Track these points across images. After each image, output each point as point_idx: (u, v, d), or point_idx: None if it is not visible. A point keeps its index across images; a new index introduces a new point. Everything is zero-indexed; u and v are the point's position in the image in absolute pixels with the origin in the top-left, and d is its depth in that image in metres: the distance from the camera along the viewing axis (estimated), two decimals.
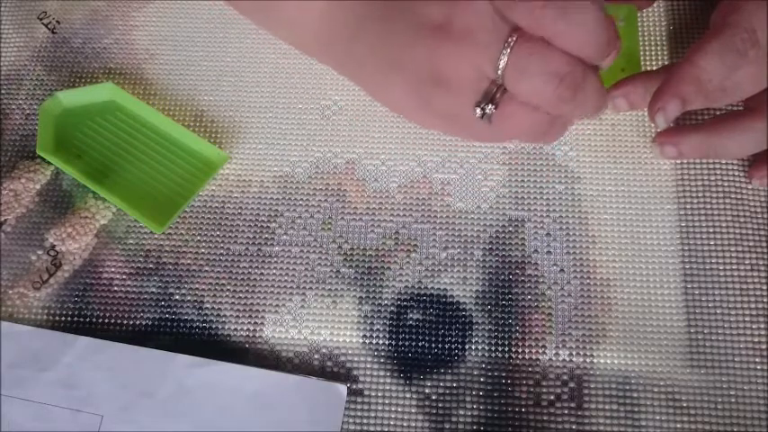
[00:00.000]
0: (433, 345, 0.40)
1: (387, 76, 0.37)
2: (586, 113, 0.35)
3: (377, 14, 0.36)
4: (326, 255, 0.42)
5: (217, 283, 0.42)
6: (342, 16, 0.38)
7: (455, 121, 0.36)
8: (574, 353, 0.40)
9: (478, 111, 0.34)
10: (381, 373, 0.40)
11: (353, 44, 0.38)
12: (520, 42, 0.32)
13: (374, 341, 0.40)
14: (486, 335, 0.40)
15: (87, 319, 0.41)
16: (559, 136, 0.37)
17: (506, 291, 0.41)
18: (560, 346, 0.40)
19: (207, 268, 0.42)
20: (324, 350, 0.40)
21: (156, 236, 0.43)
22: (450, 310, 0.41)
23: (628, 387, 0.39)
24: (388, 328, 0.41)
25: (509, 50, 0.32)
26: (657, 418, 0.38)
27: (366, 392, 0.39)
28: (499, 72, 0.33)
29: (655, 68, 0.46)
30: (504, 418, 0.38)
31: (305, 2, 0.39)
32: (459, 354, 0.40)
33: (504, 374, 0.39)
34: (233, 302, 0.41)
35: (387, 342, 0.40)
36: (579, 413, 0.38)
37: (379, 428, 0.38)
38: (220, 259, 0.42)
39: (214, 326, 0.41)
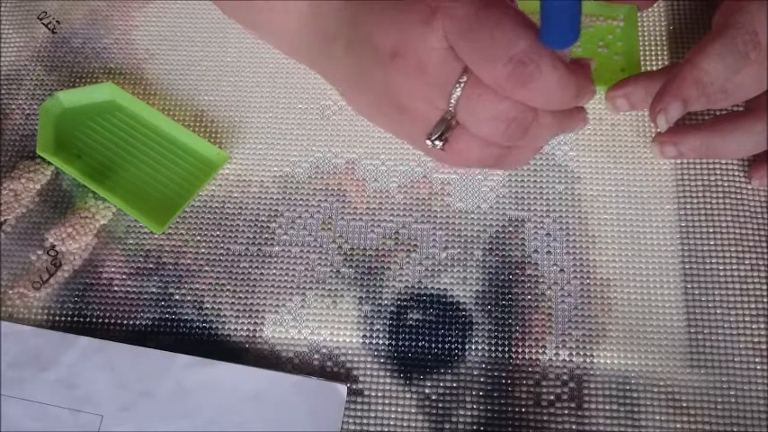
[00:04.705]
0: (433, 345, 0.40)
1: (356, 90, 0.38)
2: (546, 142, 0.35)
3: (344, 36, 0.37)
4: (326, 255, 0.42)
5: (217, 283, 0.42)
6: (315, 34, 0.39)
7: (415, 142, 0.37)
8: (574, 353, 0.40)
9: (429, 143, 0.34)
10: (381, 373, 0.40)
11: (327, 58, 0.39)
12: (470, 83, 0.32)
13: (374, 341, 0.40)
14: (486, 335, 0.40)
15: (87, 319, 0.41)
16: (523, 162, 0.37)
17: (506, 291, 0.41)
18: (560, 346, 0.40)
19: (207, 268, 0.42)
20: (324, 350, 0.40)
21: (156, 236, 0.43)
22: (450, 310, 0.41)
23: (628, 387, 0.39)
24: (388, 328, 0.41)
25: (459, 90, 0.32)
26: (657, 418, 0.38)
27: (366, 392, 0.39)
28: (451, 108, 0.33)
29: (655, 69, 0.46)
30: (504, 418, 0.39)
31: (282, 17, 0.40)
32: (459, 354, 0.40)
33: (504, 374, 0.39)
34: (233, 302, 0.41)
35: (387, 342, 0.40)
36: (579, 413, 0.38)
37: (379, 428, 0.38)
38: (220, 259, 0.42)
39: (214, 326, 0.41)
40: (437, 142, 0.34)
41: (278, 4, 0.39)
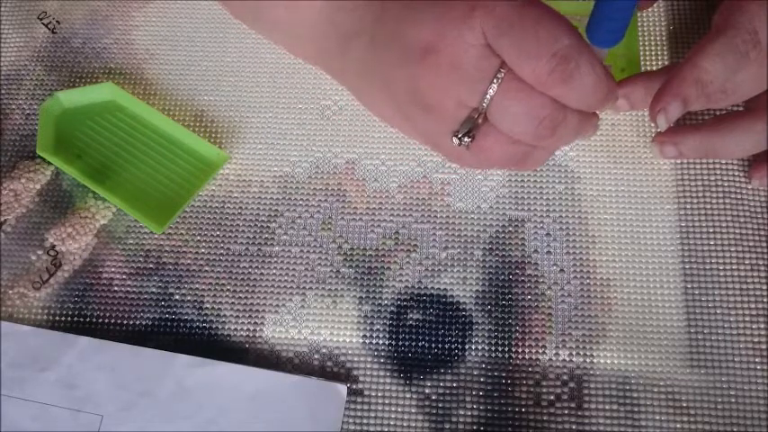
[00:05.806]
0: (433, 345, 0.40)
1: (373, 89, 0.38)
2: (565, 145, 0.36)
3: (368, 33, 0.37)
4: (326, 255, 0.42)
5: (217, 283, 0.42)
6: (333, 31, 0.38)
7: (436, 141, 0.37)
8: (574, 353, 0.40)
9: (455, 140, 0.34)
10: (381, 373, 0.40)
11: (344, 56, 0.39)
12: (507, 79, 0.32)
13: (374, 341, 0.40)
14: (486, 335, 0.40)
15: (87, 319, 0.41)
16: (540, 164, 0.37)
17: (506, 291, 0.41)
18: (560, 346, 0.40)
19: (207, 268, 0.42)
20: (324, 350, 0.40)
21: (156, 236, 0.43)
22: (450, 310, 0.41)
23: (628, 387, 0.39)
24: (388, 328, 0.41)
25: (496, 86, 0.33)
26: (657, 418, 0.38)
27: (366, 392, 0.39)
28: (485, 104, 0.33)
29: (655, 69, 0.46)
30: (504, 418, 0.38)
31: (296, 13, 0.40)
32: (459, 354, 0.40)
33: (504, 374, 0.39)
34: (233, 302, 0.41)
35: (387, 342, 0.40)
36: (579, 413, 0.38)
37: (379, 428, 0.38)
38: (220, 259, 0.42)
39: (214, 326, 0.41)
40: (465, 139, 0.34)
41: (291, 2, 0.39)
